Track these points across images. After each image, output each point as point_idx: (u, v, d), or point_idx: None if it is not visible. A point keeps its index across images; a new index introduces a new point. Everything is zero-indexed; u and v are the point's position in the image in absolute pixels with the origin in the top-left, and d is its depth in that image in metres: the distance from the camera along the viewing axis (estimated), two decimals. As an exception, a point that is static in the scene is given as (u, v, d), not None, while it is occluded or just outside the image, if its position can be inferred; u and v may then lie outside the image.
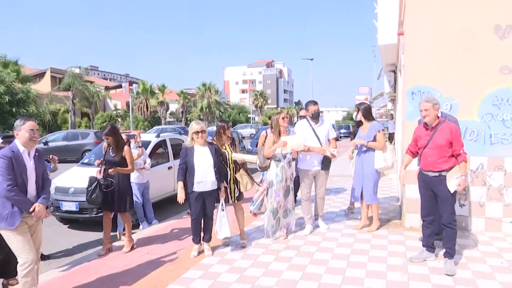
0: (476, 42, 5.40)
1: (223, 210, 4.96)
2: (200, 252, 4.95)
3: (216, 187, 4.88)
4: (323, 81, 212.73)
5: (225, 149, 5.22)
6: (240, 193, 5.30)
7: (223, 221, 4.92)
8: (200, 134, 4.78)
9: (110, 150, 5.35)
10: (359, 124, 5.94)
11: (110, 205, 5.26)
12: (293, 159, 5.53)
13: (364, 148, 5.65)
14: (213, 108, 50.31)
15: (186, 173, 4.79)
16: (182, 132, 19.69)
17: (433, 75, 5.57)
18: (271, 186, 5.35)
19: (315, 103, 5.81)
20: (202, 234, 4.99)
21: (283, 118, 5.39)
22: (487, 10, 5.34)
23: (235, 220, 5.34)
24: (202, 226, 4.96)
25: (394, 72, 12.25)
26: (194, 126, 4.85)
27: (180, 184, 4.77)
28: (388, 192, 8.51)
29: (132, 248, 5.25)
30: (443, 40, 5.51)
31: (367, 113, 5.74)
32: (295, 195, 7.57)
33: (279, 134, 5.33)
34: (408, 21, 5.72)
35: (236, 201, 5.27)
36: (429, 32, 5.56)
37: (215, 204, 5.00)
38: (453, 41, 5.47)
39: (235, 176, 5.24)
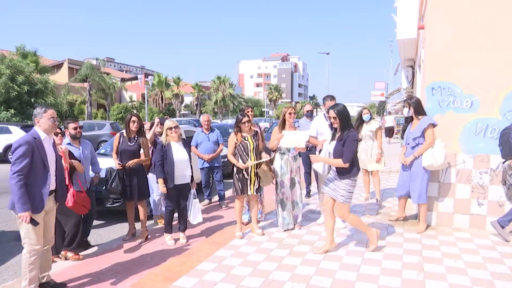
0: (499, 37, 5.24)
1: (195, 198, 5.23)
2: (176, 240, 5.20)
3: (190, 180, 5.22)
4: (339, 76, 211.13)
5: (247, 140, 5.24)
6: (259, 186, 5.30)
7: (196, 207, 5.21)
8: (173, 129, 5.06)
9: (129, 140, 5.37)
10: (408, 120, 5.67)
11: (130, 194, 5.31)
12: (299, 155, 5.65)
13: (412, 145, 5.35)
14: (227, 101, 50.42)
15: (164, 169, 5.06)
16: (197, 124, 19.75)
17: (454, 71, 5.44)
18: (277, 177, 5.49)
19: (331, 98, 5.73)
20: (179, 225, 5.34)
21: (289, 113, 5.47)
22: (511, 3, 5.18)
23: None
24: (177, 216, 5.31)
25: (412, 67, 12.05)
26: (168, 123, 5.15)
27: (161, 181, 5.04)
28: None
29: (146, 239, 5.30)
30: (465, 35, 5.37)
31: (419, 107, 5.39)
32: (309, 190, 7.66)
33: (284, 128, 5.47)
34: (429, 15, 5.59)
35: (254, 193, 5.28)
36: (451, 26, 5.42)
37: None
38: (476, 35, 5.33)
39: (256, 170, 5.26)
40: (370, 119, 7.25)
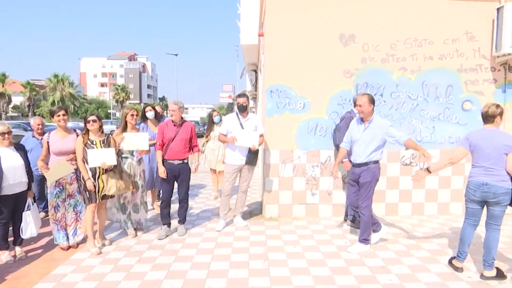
0: (325, 47, 6.02)
1: (28, 209, 4.73)
2: (14, 257, 4.64)
3: (27, 188, 4.71)
4: (189, 77, 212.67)
5: (95, 144, 4.80)
6: (105, 194, 4.88)
7: (27, 220, 4.70)
8: (6, 135, 4.54)
9: None
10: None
11: None
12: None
13: None
14: (67, 102, 45.82)
15: None
16: (29, 128, 17.37)
17: (289, 76, 6.02)
18: None
19: (241, 95, 5.75)
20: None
21: (131, 115, 5.33)
22: (334, 19, 6.00)
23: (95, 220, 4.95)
24: (12, 229, 4.76)
25: (256, 71, 12.90)
26: None
27: None
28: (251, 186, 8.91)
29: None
30: (298, 44, 5.99)
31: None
32: (159, 192, 7.46)
33: (126, 130, 5.30)
34: (268, 24, 6.06)
35: (100, 200, 4.87)
36: (286, 35, 5.98)
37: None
38: (306, 45, 6.00)
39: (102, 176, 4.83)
40: (220, 120, 7.53)
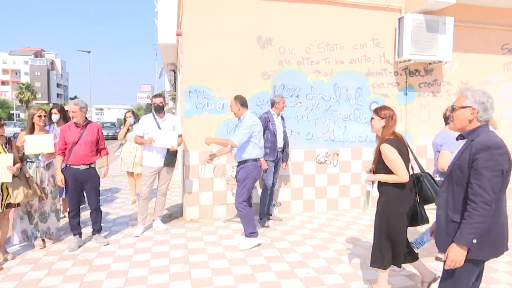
0: (243, 49, 6.10)
1: None
2: None
3: None
4: (104, 77, 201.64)
5: None
6: (10, 203, 4.42)
7: None
8: None
9: None
10: None
11: None
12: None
13: None
14: (-41, 101, 40.79)
15: None
16: None
17: (207, 76, 6.00)
18: None
19: (158, 95, 5.56)
20: None
21: (39, 116, 4.92)
22: (251, 22, 6.10)
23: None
24: None
25: (175, 71, 12.65)
26: None
27: None
28: (170, 188, 8.72)
29: None
30: (216, 44, 5.99)
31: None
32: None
33: (33, 132, 4.89)
34: (185, 24, 5.96)
35: (4, 209, 4.39)
36: (204, 35, 5.95)
37: None
38: (225, 46, 6.02)
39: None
40: (135, 122, 7.25)
